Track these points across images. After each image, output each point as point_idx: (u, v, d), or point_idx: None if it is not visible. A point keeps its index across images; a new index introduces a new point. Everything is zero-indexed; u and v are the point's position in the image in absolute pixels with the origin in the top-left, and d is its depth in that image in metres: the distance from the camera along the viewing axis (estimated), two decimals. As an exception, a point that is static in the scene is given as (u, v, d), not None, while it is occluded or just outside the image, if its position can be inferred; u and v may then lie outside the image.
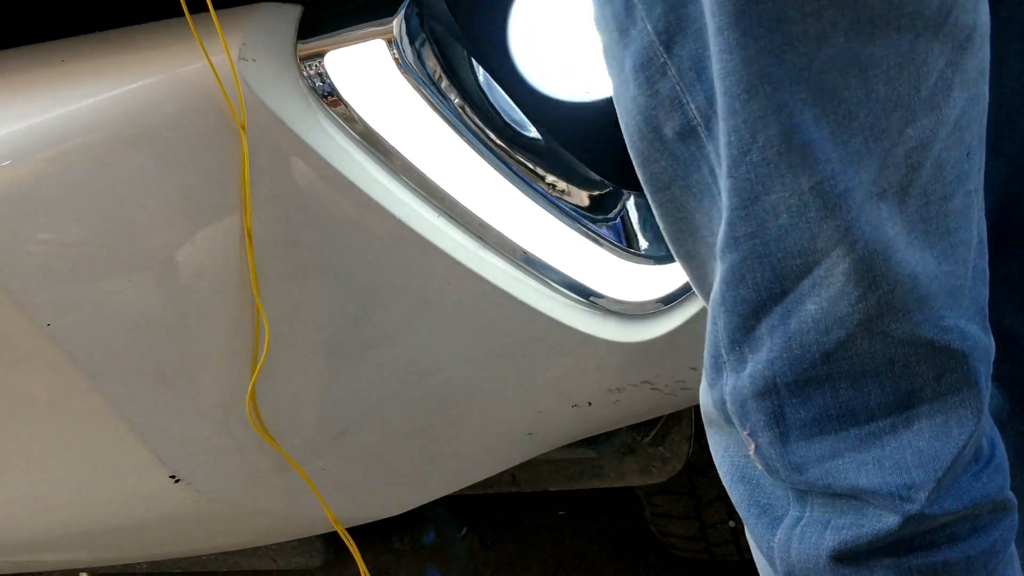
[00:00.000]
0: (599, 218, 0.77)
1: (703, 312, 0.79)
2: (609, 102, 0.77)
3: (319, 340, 0.69)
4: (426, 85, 0.69)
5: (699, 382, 0.63)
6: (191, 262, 0.65)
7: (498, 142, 0.72)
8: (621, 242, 0.78)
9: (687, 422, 1.07)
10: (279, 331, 0.67)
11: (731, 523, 1.33)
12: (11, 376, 0.64)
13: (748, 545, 0.66)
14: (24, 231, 0.61)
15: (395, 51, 0.69)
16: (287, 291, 0.67)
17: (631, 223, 0.79)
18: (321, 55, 0.69)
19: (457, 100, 0.71)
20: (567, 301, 0.76)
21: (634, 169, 0.60)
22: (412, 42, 0.70)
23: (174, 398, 0.66)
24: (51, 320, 0.60)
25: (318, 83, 0.69)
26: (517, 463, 0.86)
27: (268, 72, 0.66)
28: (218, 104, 0.64)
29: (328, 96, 0.69)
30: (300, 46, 0.69)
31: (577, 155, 0.78)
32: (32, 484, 0.68)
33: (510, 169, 0.72)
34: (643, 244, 0.79)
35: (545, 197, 0.74)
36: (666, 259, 0.79)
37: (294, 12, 0.69)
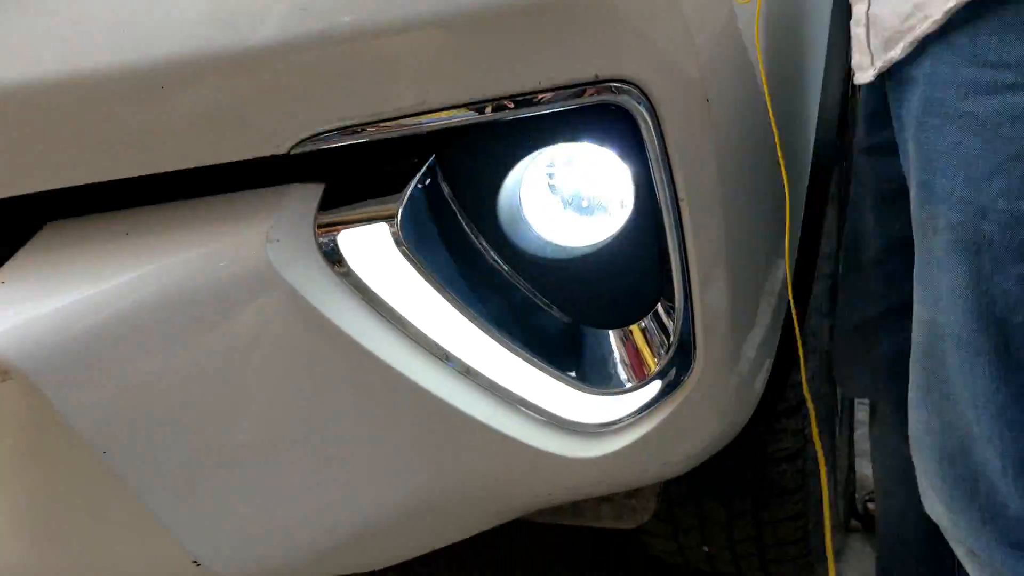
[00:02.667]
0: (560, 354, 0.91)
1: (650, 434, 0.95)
2: (592, 251, 0.91)
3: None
4: (417, 257, 0.84)
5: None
6: (227, 392, 0.81)
7: (475, 298, 0.87)
8: (584, 375, 0.92)
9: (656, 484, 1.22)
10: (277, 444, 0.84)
11: (705, 548, 1.49)
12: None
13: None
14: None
15: (394, 227, 0.83)
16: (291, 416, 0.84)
17: (593, 357, 0.93)
18: (336, 226, 0.83)
19: (445, 264, 0.85)
20: (534, 424, 0.91)
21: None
22: (413, 218, 0.84)
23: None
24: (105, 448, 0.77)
25: (330, 250, 0.83)
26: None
27: (290, 248, 0.80)
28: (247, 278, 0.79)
29: (337, 263, 0.83)
30: (319, 215, 0.83)
31: (555, 298, 0.92)
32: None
33: (491, 324, 0.87)
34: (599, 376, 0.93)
35: (515, 338, 0.89)
36: (619, 391, 0.93)
37: (316, 191, 0.83)
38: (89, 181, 0.77)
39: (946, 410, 0.86)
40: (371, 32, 0.76)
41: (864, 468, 1.87)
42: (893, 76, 0.84)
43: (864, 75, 0.86)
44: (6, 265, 0.78)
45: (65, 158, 0.76)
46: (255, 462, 0.83)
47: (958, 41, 0.77)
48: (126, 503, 0.77)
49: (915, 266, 0.86)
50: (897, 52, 0.81)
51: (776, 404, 1.21)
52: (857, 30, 0.86)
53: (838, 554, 1.66)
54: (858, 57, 0.87)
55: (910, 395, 0.90)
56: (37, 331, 0.74)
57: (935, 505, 0.90)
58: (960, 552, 0.90)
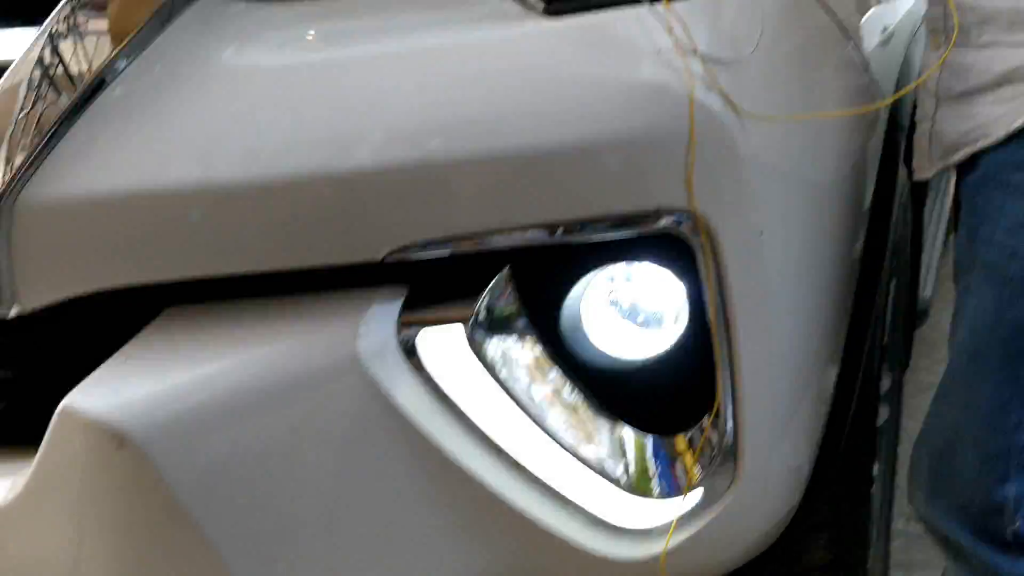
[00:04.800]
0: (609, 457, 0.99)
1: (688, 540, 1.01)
2: (645, 364, 1.00)
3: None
4: (486, 357, 0.93)
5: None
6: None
7: (539, 402, 0.95)
8: (630, 479, 1.00)
9: None
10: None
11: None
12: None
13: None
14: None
15: (469, 330, 0.92)
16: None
17: (639, 463, 1.01)
18: (416, 325, 0.93)
19: (512, 372, 0.94)
20: (578, 523, 0.99)
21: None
22: (485, 321, 0.93)
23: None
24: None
25: (410, 347, 0.92)
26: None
27: (375, 344, 0.90)
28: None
29: (415, 359, 0.92)
30: (402, 315, 0.93)
31: (608, 404, 1.00)
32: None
33: (547, 425, 0.95)
34: (649, 482, 1.00)
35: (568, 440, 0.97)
36: (662, 497, 1.00)
37: (401, 293, 0.93)
38: (210, 275, 0.88)
39: (945, 412, 1.11)
40: (457, 161, 0.87)
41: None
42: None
43: (924, 174, 1.11)
44: (129, 343, 0.88)
45: (190, 254, 0.86)
46: (326, 538, 0.91)
47: (1013, 144, 1.01)
48: (220, 573, 0.86)
49: (955, 300, 1.09)
50: (956, 158, 1.05)
51: (811, 517, 1.27)
52: (921, 143, 1.03)
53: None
54: (919, 162, 1.10)
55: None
56: (152, 406, 0.83)
57: (916, 492, 1.16)
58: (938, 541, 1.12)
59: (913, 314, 2.17)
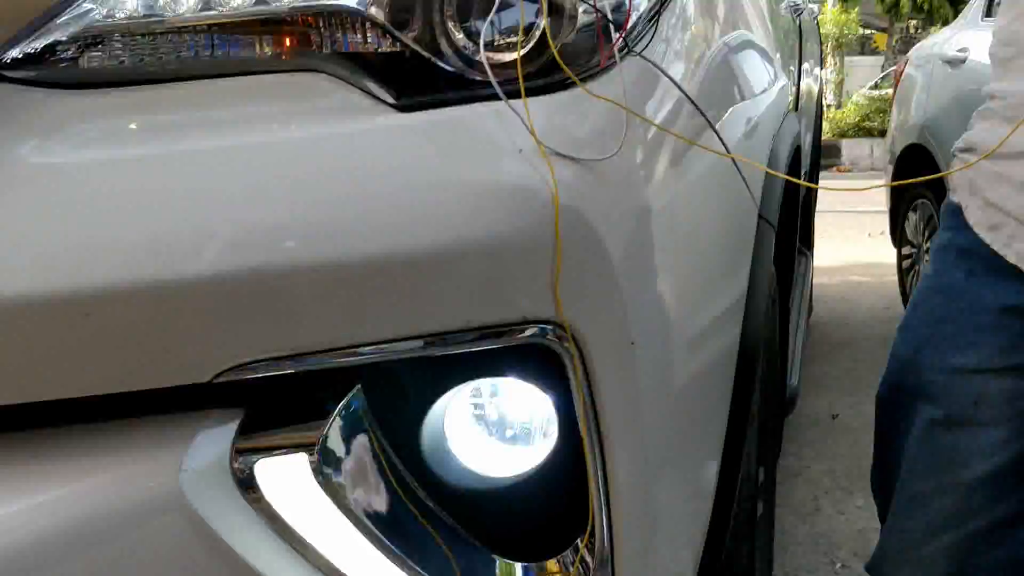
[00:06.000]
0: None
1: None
2: (514, 482, 0.91)
3: None
4: (336, 488, 0.82)
5: None
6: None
7: (392, 531, 0.85)
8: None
9: None
10: None
11: None
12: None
13: None
14: None
15: (315, 458, 0.82)
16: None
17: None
18: (253, 453, 0.82)
19: (363, 494, 0.84)
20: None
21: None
22: (334, 446, 0.83)
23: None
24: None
25: (245, 476, 0.81)
26: None
27: (204, 477, 0.78)
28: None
29: (251, 491, 0.81)
30: (237, 441, 0.82)
31: (475, 530, 0.90)
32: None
33: (406, 557, 0.85)
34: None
35: (431, 570, 0.87)
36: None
37: (236, 416, 0.82)
38: (13, 401, 0.75)
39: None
40: (297, 270, 0.77)
41: None
42: None
43: None
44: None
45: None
46: None
47: None
48: None
49: None
50: None
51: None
52: None
53: None
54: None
55: None
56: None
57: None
58: None
59: (783, 404, 2.16)
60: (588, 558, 0.92)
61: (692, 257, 1.00)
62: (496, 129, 0.81)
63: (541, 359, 0.87)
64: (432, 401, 0.89)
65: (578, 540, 0.92)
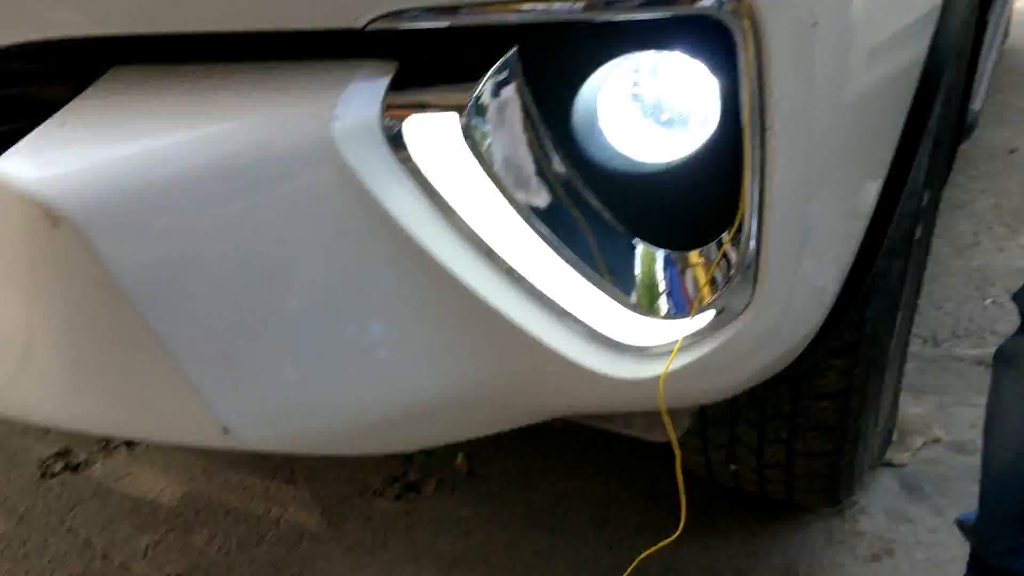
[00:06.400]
0: (615, 270, 0.88)
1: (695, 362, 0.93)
2: (663, 169, 0.87)
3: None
4: (482, 151, 0.80)
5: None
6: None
7: (542, 206, 0.83)
8: (636, 295, 0.89)
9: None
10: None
11: (732, 467, 1.49)
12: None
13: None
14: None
15: (465, 119, 0.79)
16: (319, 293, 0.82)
17: (648, 278, 0.90)
18: (404, 108, 0.80)
19: (509, 163, 0.82)
20: (576, 337, 0.89)
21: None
22: (486, 110, 0.80)
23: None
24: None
25: (395, 134, 0.80)
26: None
27: (354, 128, 0.77)
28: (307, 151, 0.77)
29: (400, 148, 0.80)
30: (389, 96, 0.80)
31: (618, 211, 0.88)
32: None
33: (546, 230, 0.84)
34: (657, 299, 0.90)
35: (569, 247, 0.86)
36: (670, 316, 0.91)
37: (389, 69, 0.79)
38: (161, 31, 0.74)
39: None
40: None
41: (908, 406, 1.85)
42: None
43: None
44: (68, 107, 0.76)
45: (139, 5, 0.73)
46: (293, 336, 0.82)
47: None
48: (163, 362, 0.78)
49: None
50: None
51: (828, 342, 1.18)
52: None
53: (866, 488, 1.66)
54: None
55: None
56: (91, 181, 0.73)
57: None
58: None
59: (960, 129, 2.01)
60: (732, 254, 0.89)
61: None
62: None
63: (711, 37, 0.81)
64: (589, 74, 0.84)
65: (724, 235, 0.89)
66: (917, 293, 1.82)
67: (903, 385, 1.85)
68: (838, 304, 1.09)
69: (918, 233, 1.51)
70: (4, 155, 0.73)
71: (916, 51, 1.06)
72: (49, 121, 0.75)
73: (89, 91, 0.77)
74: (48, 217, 0.72)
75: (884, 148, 1.05)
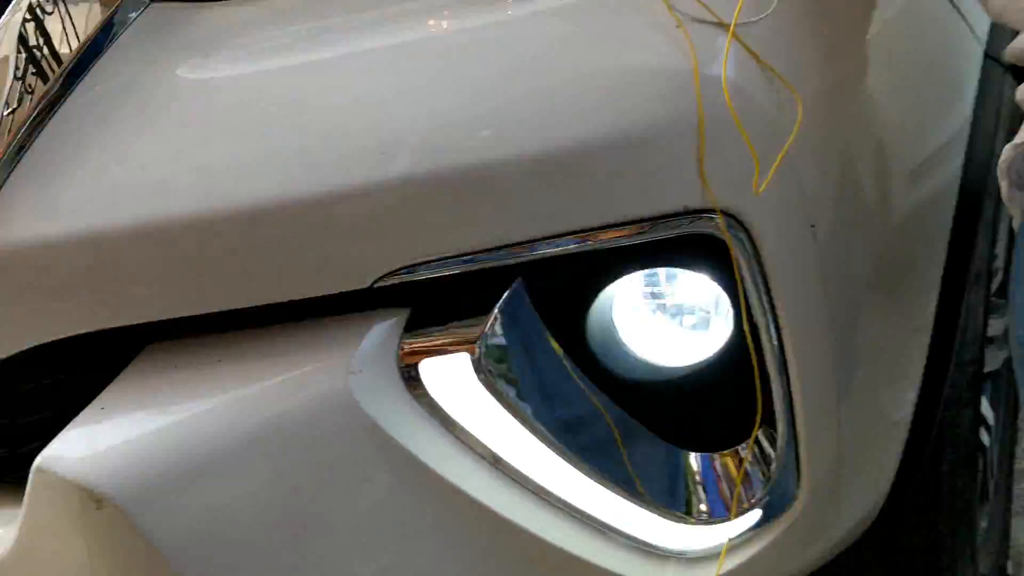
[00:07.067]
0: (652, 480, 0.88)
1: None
2: (687, 372, 0.88)
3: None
4: (498, 385, 0.82)
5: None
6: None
7: (561, 426, 0.85)
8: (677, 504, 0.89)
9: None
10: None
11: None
12: None
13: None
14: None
15: (475, 354, 0.82)
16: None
17: (688, 484, 0.90)
18: (418, 353, 0.83)
19: (529, 391, 0.84)
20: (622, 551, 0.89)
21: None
22: (495, 342, 0.83)
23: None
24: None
25: (412, 376, 0.83)
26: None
27: (372, 378, 0.81)
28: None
29: (418, 389, 0.83)
30: (403, 340, 0.83)
31: (647, 420, 0.89)
32: None
33: (574, 451, 0.85)
34: (696, 504, 0.90)
35: (601, 464, 0.86)
36: (714, 520, 0.90)
37: (401, 316, 0.83)
38: (187, 314, 0.80)
39: None
40: (450, 173, 0.75)
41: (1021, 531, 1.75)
42: None
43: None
44: (106, 391, 0.82)
45: (157, 295, 0.79)
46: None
47: None
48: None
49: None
50: None
51: (907, 500, 1.14)
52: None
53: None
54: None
55: None
56: (130, 461, 0.77)
57: None
58: None
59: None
60: (768, 449, 0.89)
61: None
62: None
63: (711, 247, 0.82)
64: (598, 292, 0.86)
65: (757, 431, 0.89)
66: (1015, 413, 1.75)
67: (1015, 509, 1.75)
68: (902, 471, 1.06)
69: (998, 361, 1.46)
70: (51, 443, 0.79)
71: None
72: (89, 408, 0.80)
73: (125, 373, 0.82)
74: (91, 500, 0.76)
75: (921, 314, 1.03)
